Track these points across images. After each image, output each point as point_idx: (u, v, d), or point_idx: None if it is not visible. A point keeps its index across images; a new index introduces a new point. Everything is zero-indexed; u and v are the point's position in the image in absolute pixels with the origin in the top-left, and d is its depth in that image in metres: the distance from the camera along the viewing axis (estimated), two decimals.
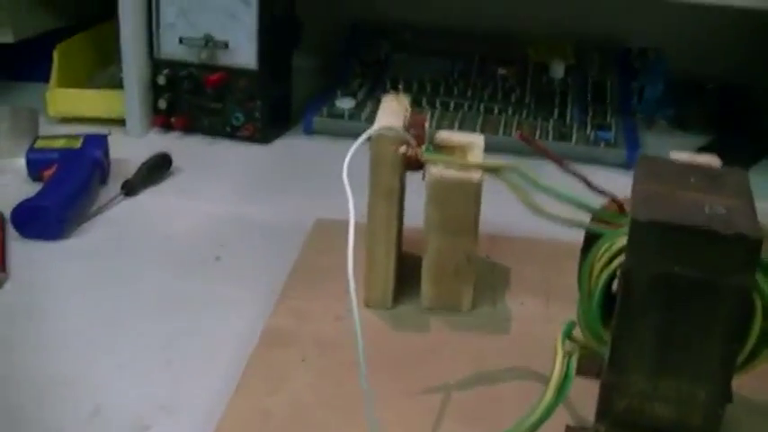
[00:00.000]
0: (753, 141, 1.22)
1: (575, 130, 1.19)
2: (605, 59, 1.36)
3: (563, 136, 1.18)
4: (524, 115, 1.24)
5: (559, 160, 0.64)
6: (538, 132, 1.19)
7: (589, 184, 0.64)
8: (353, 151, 0.63)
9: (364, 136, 0.64)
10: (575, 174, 0.64)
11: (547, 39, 1.38)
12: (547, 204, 0.66)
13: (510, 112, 1.24)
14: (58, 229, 0.94)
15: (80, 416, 0.69)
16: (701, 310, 0.57)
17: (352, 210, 0.58)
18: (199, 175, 1.11)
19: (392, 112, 0.77)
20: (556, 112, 1.24)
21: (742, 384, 0.61)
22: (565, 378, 0.57)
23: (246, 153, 1.18)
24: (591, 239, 0.65)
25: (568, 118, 1.23)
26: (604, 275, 0.61)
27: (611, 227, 0.64)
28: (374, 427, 0.53)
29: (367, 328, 0.77)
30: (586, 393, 0.63)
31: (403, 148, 0.69)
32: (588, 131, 1.19)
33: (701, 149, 1.12)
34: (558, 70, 1.33)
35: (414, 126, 0.77)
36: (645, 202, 0.58)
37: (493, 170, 0.69)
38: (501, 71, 1.34)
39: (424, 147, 0.72)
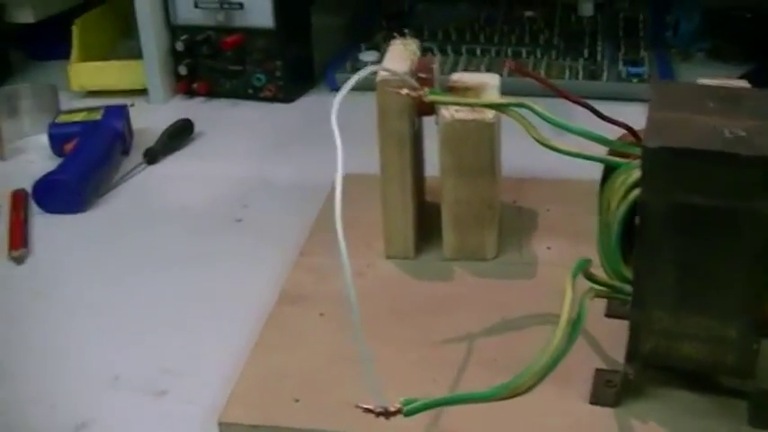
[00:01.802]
0: None
1: (606, 68, 1.15)
2: None
3: (593, 74, 1.14)
4: (554, 57, 1.20)
5: (560, 91, 0.61)
6: (568, 73, 1.15)
7: (598, 114, 0.61)
8: (342, 96, 0.60)
9: (355, 77, 0.61)
10: (581, 103, 0.61)
11: None
12: (564, 140, 0.63)
13: (539, 54, 1.21)
14: (78, 201, 0.94)
15: (101, 382, 0.69)
16: (722, 239, 0.53)
17: (341, 160, 0.56)
18: (221, 139, 1.10)
19: (398, 56, 0.75)
20: (586, 51, 1.20)
21: None
22: (576, 320, 0.54)
23: (270, 113, 1.16)
24: (608, 174, 0.62)
25: (599, 56, 1.19)
26: (622, 209, 0.59)
27: (630, 159, 0.61)
28: (374, 383, 0.51)
29: (388, 279, 0.77)
30: (619, 335, 0.61)
31: (405, 91, 0.66)
32: (620, 68, 1.15)
33: (742, 77, 1.07)
34: (587, 8, 1.29)
35: (421, 69, 0.74)
36: (657, 128, 0.55)
37: (501, 108, 0.66)
38: (528, 13, 1.30)
39: (428, 89, 0.69)
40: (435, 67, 0.75)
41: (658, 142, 0.52)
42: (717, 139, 0.53)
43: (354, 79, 0.60)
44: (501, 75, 0.80)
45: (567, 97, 0.61)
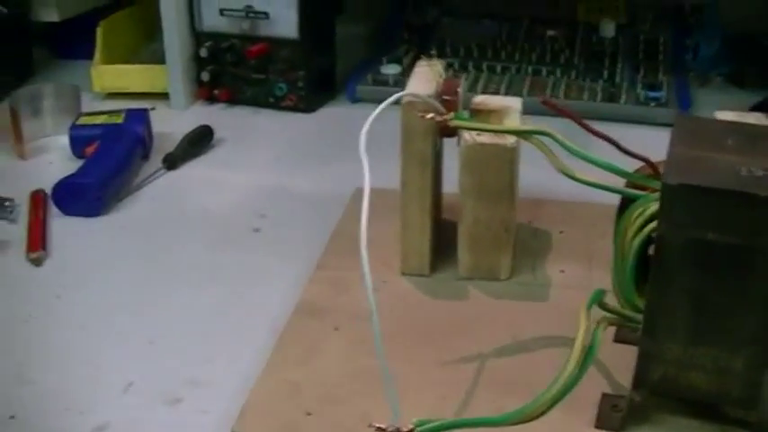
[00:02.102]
0: None
1: (624, 90, 1.16)
2: (658, 16, 1.33)
3: (612, 97, 1.15)
4: (573, 77, 1.21)
5: (585, 125, 0.62)
6: (586, 94, 1.16)
7: (620, 147, 0.62)
8: (373, 119, 0.61)
9: (385, 103, 0.62)
10: (604, 137, 0.62)
11: None
12: (584, 169, 0.64)
13: (558, 73, 1.21)
14: (97, 205, 0.95)
15: (117, 387, 0.70)
16: (736, 276, 0.55)
17: (368, 180, 0.57)
18: (241, 147, 1.11)
19: (424, 78, 0.76)
20: (605, 72, 1.21)
21: None
22: (589, 350, 0.55)
23: (290, 123, 1.17)
24: (625, 204, 0.63)
25: (618, 78, 1.20)
26: (637, 241, 0.60)
27: (648, 191, 0.62)
28: (394, 403, 0.52)
29: (403, 296, 0.78)
30: (626, 360, 0.62)
31: (431, 115, 0.67)
32: (638, 91, 1.15)
33: (755, 108, 1.08)
34: (608, 29, 1.30)
35: (446, 92, 0.75)
36: (678, 165, 0.55)
37: (525, 135, 0.67)
38: (550, 33, 1.31)
39: (453, 113, 0.70)
40: (460, 90, 0.76)
41: (678, 179, 0.53)
42: (734, 178, 0.53)
43: (384, 105, 0.61)
44: (522, 94, 0.81)
45: (591, 131, 0.62)
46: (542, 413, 0.53)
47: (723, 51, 1.27)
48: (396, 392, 0.53)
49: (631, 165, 0.64)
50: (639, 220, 0.59)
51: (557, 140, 0.64)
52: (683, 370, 0.59)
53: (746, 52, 1.28)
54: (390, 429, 0.53)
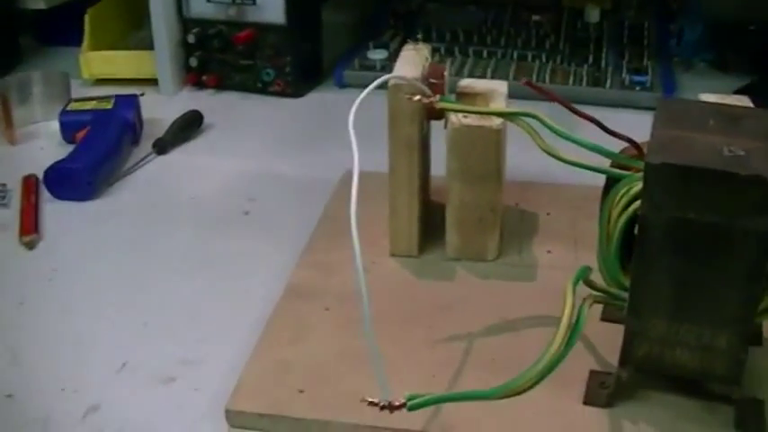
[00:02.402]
0: None
1: (609, 75, 1.17)
2: (642, 2, 1.34)
3: (597, 81, 1.16)
4: (558, 61, 1.22)
5: (569, 106, 0.63)
6: (572, 78, 1.17)
7: (604, 128, 0.63)
8: (360, 102, 0.62)
9: (372, 85, 0.63)
10: (588, 118, 0.63)
11: None
12: (570, 151, 0.65)
13: (544, 58, 1.23)
14: (88, 190, 0.95)
15: (110, 368, 0.71)
16: (718, 255, 0.56)
17: (356, 160, 0.58)
18: (230, 132, 1.12)
19: (410, 62, 0.77)
20: (591, 57, 1.22)
21: None
22: (575, 326, 0.56)
23: (278, 108, 1.18)
24: (610, 184, 0.64)
25: (603, 63, 1.21)
26: (622, 220, 0.61)
27: (632, 171, 0.63)
28: (383, 379, 0.53)
29: (392, 277, 0.79)
30: (614, 338, 0.63)
31: (417, 97, 0.68)
32: (623, 75, 1.17)
33: (739, 91, 1.09)
34: (593, 14, 1.31)
35: (433, 75, 0.76)
36: (660, 145, 0.57)
37: (511, 117, 0.68)
38: (535, 18, 1.32)
39: (439, 95, 0.71)
40: (446, 73, 0.77)
41: (660, 159, 0.54)
42: (717, 157, 0.55)
43: (371, 87, 0.62)
44: (507, 78, 0.82)
45: (575, 112, 0.63)
46: (529, 388, 0.55)
47: (706, 37, 1.28)
48: (383, 370, 0.54)
49: (616, 146, 0.65)
50: (624, 200, 0.61)
51: (543, 122, 0.65)
52: (667, 347, 0.60)
53: (730, 38, 1.29)
54: (382, 403, 0.54)
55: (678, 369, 0.61)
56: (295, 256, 0.82)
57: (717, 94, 0.70)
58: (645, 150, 0.62)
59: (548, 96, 0.65)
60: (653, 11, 1.33)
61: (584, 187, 0.75)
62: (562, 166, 0.67)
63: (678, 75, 1.23)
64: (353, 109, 0.60)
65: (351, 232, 0.54)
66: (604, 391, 0.64)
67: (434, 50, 1.21)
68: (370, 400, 0.54)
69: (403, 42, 1.25)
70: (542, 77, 1.17)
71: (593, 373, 0.65)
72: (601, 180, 0.66)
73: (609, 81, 1.16)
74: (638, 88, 1.14)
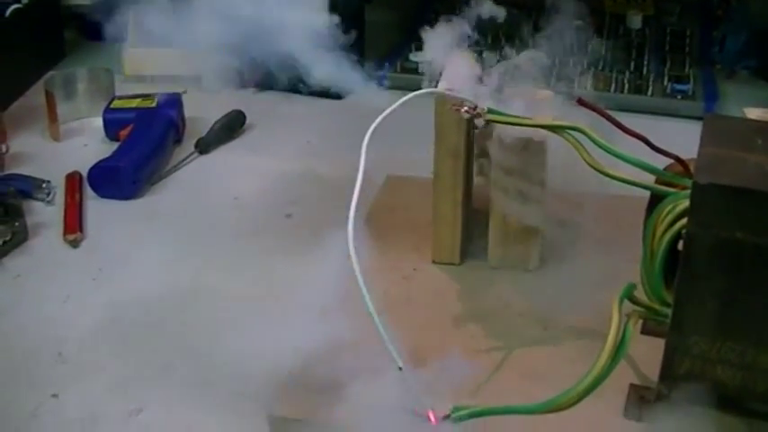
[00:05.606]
0: None
1: (651, 82, 1.17)
2: (685, 9, 1.33)
3: (639, 88, 1.16)
4: (600, 67, 1.21)
5: (618, 123, 0.63)
6: (613, 85, 1.17)
7: (651, 145, 0.63)
8: (384, 116, 0.63)
9: (400, 101, 0.64)
10: (635, 135, 0.63)
11: None
12: (614, 164, 0.65)
13: (585, 64, 1.22)
14: (131, 189, 0.97)
15: (152, 369, 0.72)
16: (764, 276, 0.56)
17: (361, 175, 0.58)
18: (272, 132, 1.12)
19: (458, 71, 0.77)
20: (632, 63, 1.22)
21: None
22: (621, 342, 0.56)
23: (320, 108, 1.18)
24: (655, 201, 0.64)
25: (645, 70, 1.20)
26: (667, 237, 0.61)
27: (678, 189, 0.63)
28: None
29: (433, 284, 0.79)
30: (653, 352, 0.63)
31: (464, 110, 0.68)
32: (665, 83, 1.16)
33: None
34: (635, 21, 1.30)
35: (480, 82, 0.76)
36: (708, 164, 0.57)
37: (557, 130, 0.68)
38: (577, 23, 1.32)
39: (486, 106, 0.71)
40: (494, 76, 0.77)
41: (709, 179, 0.55)
42: (764, 178, 0.55)
43: (398, 104, 0.62)
44: (549, 84, 0.82)
45: (624, 130, 0.63)
46: (573, 404, 0.55)
47: (750, 45, 1.27)
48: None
49: (661, 162, 0.65)
50: (669, 217, 0.61)
51: (589, 137, 0.65)
52: (709, 364, 0.60)
53: None
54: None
55: (719, 386, 0.61)
56: (337, 261, 0.82)
57: (762, 109, 0.70)
58: (690, 167, 0.62)
59: (598, 113, 0.65)
60: (696, 17, 1.32)
61: (627, 198, 0.74)
62: (606, 180, 0.67)
63: (720, 83, 1.22)
64: (372, 126, 0.61)
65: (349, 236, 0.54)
66: (644, 406, 0.64)
67: (479, 54, 1.21)
68: (415, 410, 0.55)
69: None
70: (583, 85, 1.17)
71: (633, 387, 0.66)
72: (644, 193, 0.66)
73: (650, 89, 1.16)
74: (679, 96, 1.14)
